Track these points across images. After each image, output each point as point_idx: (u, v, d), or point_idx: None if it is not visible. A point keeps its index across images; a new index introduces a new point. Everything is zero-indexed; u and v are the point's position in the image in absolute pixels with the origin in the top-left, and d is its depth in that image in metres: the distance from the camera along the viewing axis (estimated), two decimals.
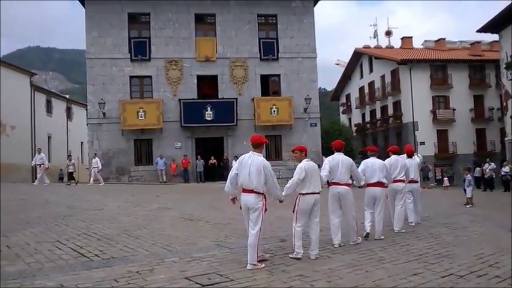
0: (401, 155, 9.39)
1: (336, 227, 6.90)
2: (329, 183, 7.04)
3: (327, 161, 7.12)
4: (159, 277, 4.93)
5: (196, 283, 4.70)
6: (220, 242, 7.00)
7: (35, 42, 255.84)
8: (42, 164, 20.75)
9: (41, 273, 5.06)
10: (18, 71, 32.60)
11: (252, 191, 5.63)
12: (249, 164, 5.69)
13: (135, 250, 6.30)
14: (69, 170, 22.99)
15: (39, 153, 21.32)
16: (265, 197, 5.73)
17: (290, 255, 6.04)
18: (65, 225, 8.20)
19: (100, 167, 21.55)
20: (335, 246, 6.77)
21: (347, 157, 7.22)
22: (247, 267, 5.45)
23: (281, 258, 5.94)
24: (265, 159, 5.83)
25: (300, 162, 6.35)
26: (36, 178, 21.59)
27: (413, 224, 9.23)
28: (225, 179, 21.60)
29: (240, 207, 5.81)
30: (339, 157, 7.09)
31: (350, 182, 7.14)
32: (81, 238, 7.04)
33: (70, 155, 23.06)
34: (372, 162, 7.90)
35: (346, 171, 7.01)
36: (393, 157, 8.78)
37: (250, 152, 5.86)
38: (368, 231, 7.63)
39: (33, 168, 22.08)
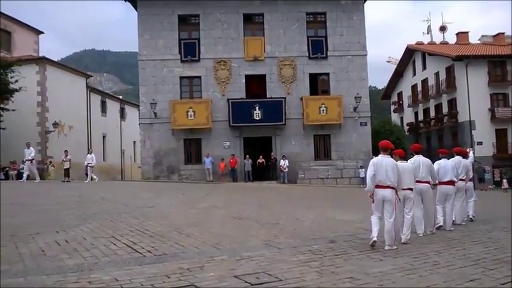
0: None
1: (419, 219, 7.92)
2: None
3: (410, 162, 8.01)
4: (209, 275, 4.98)
5: (245, 282, 4.71)
6: (269, 242, 6.99)
7: (90, 45, 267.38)
8: (32, 159, 20.37)
9: (97, 267, 5.25)
10: (75, 73, 34.21)
11: (388, 187, 6.77)
12: (384, 165, 6.82)
13: (185, 247, 6.41)
14: (65, 167, 21.63)
15: (28, 147, 20.63)
16: (397, 191, 6.87)
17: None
18: (120, 222, 8.48)
19: (92, 163, 21.21)
20: (419, 234, 7.83)
21: (426, 159, 8.34)
22: (385, 248, 6.53)
23: (330, 260, 5.84)
24: (394, 160, 7.06)
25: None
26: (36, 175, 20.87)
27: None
28: (273, 179, 21.86)
29: (373, 201, 6.88)
30: (419, 159, 8.21)
31: (430, 180, 8.24)
32: (134, 234, 7.25)
33: (66, 151, 22.20)
34: (444, 163, 8.89)
35: (426, 171, 8.14)
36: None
37: (380, 155, 6.99)
38: (441, 224, 8.63)
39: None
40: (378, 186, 6.82)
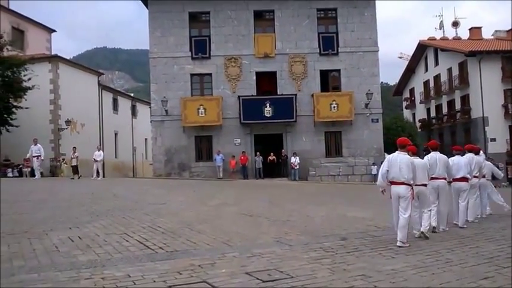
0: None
1: (433, 213, 7.85)
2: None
3: (426, 159, 8.08)
4: (221, 271, 5.01)
5: (257, 279, 4.72)
6: (280, 239, 6.99)
7: (101, 43, 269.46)
8: (39, 155, 20.42)
9: (109, 263, 5.30)
10: (87, 71, 34.47)
11: (402, 183, 6.78)
12: (398, 162, 6.85)
13: (197, 244, 6.44)
14: (73, 164, 21.53)
15: (35, 144, 20.60)
16: (412, 188, 6.85)
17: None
18: (132, 218, 8.55)
19: (98, 159, 21.09)
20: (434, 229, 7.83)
21: (443, 155, 8.41)
22: (397, 244, 6.52)
23: (342, 257, 5.83)
24: (410, 157, 6.99)
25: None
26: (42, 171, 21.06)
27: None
28: (284, 176, 21.82)
29: (390, 197, 6.95)
30: (436, 155, 8.30)
31: (446, 176, 8.33)
32: (146, 231, 7.30)
33: (75, 147, 22.02)
34: (458, 160, 8.89)
35: (443, 168, 8.22)
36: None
37: (397, 152, 7.01)
38: (455, 221, 8.75)
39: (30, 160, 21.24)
40: (393, 183, 6.89)
